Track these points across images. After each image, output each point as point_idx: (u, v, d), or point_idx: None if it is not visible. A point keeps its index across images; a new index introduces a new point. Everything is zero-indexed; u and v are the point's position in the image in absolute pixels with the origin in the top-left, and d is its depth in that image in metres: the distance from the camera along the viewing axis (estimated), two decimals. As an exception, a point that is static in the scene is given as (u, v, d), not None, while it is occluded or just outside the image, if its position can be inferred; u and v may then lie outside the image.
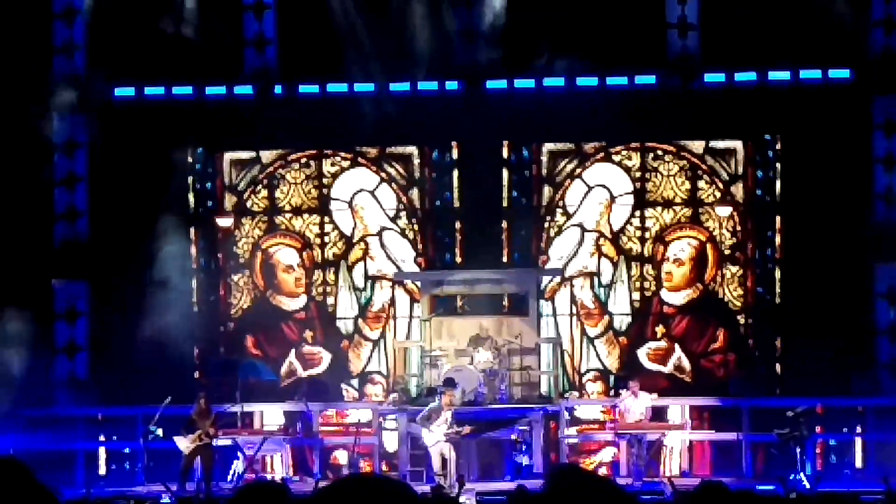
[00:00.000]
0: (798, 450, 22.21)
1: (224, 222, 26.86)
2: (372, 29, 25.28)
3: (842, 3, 24.84)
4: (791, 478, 21.63)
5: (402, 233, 27.15)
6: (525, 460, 22.98)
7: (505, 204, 26.69)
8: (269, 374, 26.38)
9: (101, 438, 25.23)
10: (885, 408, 23.94)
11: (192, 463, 22.07)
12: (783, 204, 26.20)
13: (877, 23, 25.31)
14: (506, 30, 25.53)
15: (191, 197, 27.08)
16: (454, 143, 26.59)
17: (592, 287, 26.77)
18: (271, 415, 25.40)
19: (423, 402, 23.73)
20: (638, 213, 26.79)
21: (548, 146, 26.96)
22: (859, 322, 25.12)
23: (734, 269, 26.55)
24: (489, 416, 23.23)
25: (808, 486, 21.41)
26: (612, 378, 26.44)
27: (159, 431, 22.46)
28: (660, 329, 26.56)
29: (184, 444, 21.96)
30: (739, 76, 25.53)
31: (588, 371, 26.58)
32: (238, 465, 23.29)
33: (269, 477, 23.34)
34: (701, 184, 26.68)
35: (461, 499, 18.37)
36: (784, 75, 25.42)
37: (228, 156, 27.32)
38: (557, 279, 26.52)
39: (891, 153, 25.43)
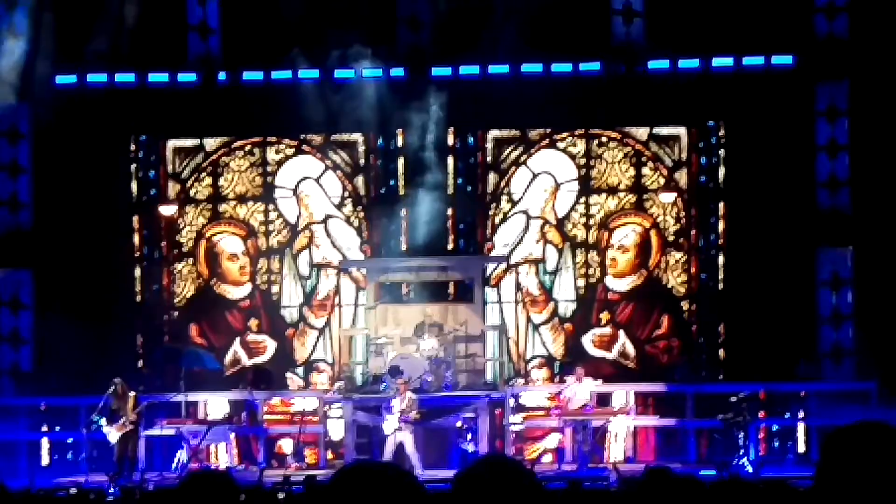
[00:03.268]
0: (741, 435, 22.32)
1: (167, 211, 26.69)
2: (316, 16, 25.15)
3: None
4: (734, 463, 21.76)
5: (347, 220, 27.09)
6: (471, 447, 22.96)
7: (450, 191, 26.66)
8: (214, 363, 26.26)
9: (44, 429, 25.06)
10: (828, 393, 24.09)
11: (125, 451, 22.02)
12: (727, 190, 26.31)
13: (819, 9, 25.43)
14: (450, 16, 25.48)
15: (133, 185, 26.92)
16: (399, 131, 26.51)
17: (537, 274, 26.81)
18: (216, 404, 25.28)
19: (368, 389, 23.71)
20: (583, 199, 26.83)
21: (493, 133, 26.97)
22: (803, 308, 25.27)
23: (678, 255, 26.64)
24: (434, 403, 23.21)
25: (750, 470, 21.53)
26: (556, 364, 26.48)
27: (102, 421, 22.32)
28: (604, 315, 26.61)
29: (112, 434, 21.95)
30: (683, 63, 25.58)
31: (533, 358, 26.62)
32: (182, 455, 23.18)
33: (213, 466, 23.22)
34: (645, 170, 26.75)
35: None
36: (727, 62, 25.50)
37: (171, 143, 27.15)
38: (503, 266, 26.54)
39: (833, 139, 25.56)
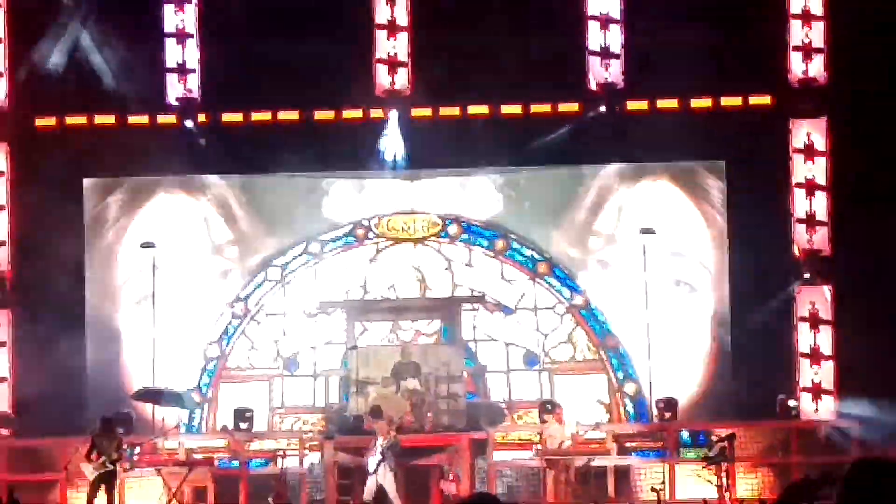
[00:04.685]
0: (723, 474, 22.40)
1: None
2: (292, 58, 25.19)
3: (760, 30, 25.18)
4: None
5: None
6: (453, 488, 22.93)
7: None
8: (192, 404, 26.21)
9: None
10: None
11: (97, 491, 21.82)
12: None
13: (796, 48, 25.64)
14: (428, 57, 25.60)
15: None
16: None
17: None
18: (195, 443, 25.26)
19: (350, 430, 23.66)
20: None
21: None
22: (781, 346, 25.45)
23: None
24: (416, 443, 23.17)
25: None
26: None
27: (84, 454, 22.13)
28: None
29: (88, 470, 21.81)
30: (661, 103, 25.74)
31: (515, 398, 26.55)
32: (163, 497, 23.09)
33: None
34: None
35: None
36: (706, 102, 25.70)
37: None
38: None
39: (813, 177, 25.71)
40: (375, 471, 21.84)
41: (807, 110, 25.71)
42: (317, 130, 25.87)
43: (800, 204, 25.69)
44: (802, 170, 25.75)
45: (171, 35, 26.02)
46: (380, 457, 21.82)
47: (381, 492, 21.93)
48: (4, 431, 25.02)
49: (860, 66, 24.91)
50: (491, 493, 21.96)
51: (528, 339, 26.60)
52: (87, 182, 26.53)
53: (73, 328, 25.62)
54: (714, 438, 23.16)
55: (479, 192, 26.86)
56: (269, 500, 22.97)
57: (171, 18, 25.98)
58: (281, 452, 24.46)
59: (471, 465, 23.56)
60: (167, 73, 25.95)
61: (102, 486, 21.86)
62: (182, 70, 25.96)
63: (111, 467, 21.87)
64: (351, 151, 25.80)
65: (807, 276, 25.53)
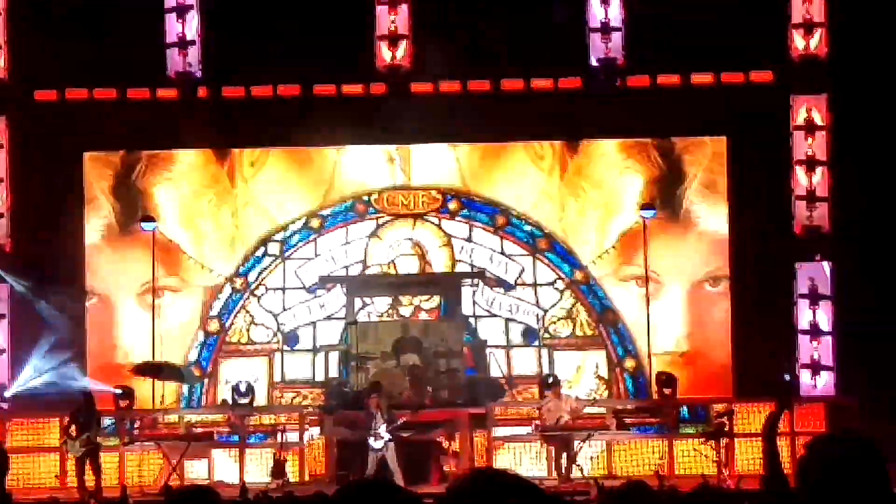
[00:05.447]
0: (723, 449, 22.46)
1: (150, 227, 26.60)
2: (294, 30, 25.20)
3: (761, 6, 25.13)
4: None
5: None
6: (452, 463, 22.95)
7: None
8: (192, 378, 26.26)
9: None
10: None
11: (83, 468, 21.87)
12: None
13: (796, 24, 25.59)
14: (428, 32, 25.58)
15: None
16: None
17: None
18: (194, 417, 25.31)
19: (350, 405, 23.67)
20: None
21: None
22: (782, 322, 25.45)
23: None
24: (415, 419, 23.16)
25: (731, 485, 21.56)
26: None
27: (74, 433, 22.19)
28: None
29: (75, 447, 21.83)
30: (662, 79, 25.71)
31: (515, 373, 26.56)
32: (163, 470, 23.14)
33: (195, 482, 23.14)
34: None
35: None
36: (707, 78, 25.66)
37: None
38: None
39: (814, 153, 25.69)
40: (382, 448, 21.87)
41: (808, 86, 25.66)
42: (317, 105, 25.84)
43: (800, 180, 25.66)
44: (803, 146, 25.72)
45: (171, 10, 25.99)
46: (387, 436, 21.84)
47: (381, 465, 21.95)
48: (3, 405, 25.05)
49: (862, 42, 24.85)
50: (491, 466, 22.00)
51: (528, 315, 26.60)
52: (87, 155, 26.54)
53: (72, 301, 25.70)
54: (713, 414, 23.20)
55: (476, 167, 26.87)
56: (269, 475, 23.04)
57: (172, -8, 25.97)
58: (281, 427, 24.50)
59: (470, 440, 23.57)
60: (167, 48, 25.92)
61: (88, 462, 21.87)
62: (182, 44, 25.93)
63: (95, 443, 21.89)
64: (351, 126, 25.76)
65: (807, 252, 25.52)
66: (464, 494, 4.45)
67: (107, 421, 24.30)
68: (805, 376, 25.31)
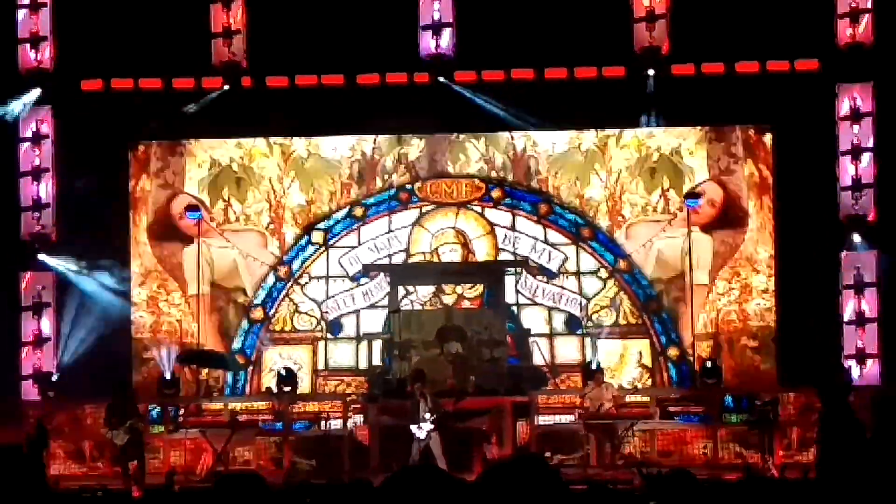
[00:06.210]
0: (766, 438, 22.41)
1: (195, 216, 26.69)
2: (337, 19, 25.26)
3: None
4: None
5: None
6: (494, 450, 22.97)
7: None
8: (237, 366, 26.38)
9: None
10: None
11: (127, 455, 21.87)
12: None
13: (843, 12, 25.45)
14: (473, 21, 25.58)
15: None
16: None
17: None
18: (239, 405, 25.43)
19: (393, 393, 23.70)
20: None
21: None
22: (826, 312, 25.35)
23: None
24: (459, 407, 23.18)
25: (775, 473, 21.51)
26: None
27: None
28: (628, 319, 26.70)
29: (119, 437, 21.88)
30: (707, 67, 25.61)
31: (558, 362, 26.53)
32: (207, 458, 23.24)
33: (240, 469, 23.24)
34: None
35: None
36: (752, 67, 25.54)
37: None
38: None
39: (859, 142, 25.57)
40: (426, 437, 21.90)
41: (854, 74, 25.52)
42: (361, 94, 25.88)
43: (846, 168, 25.54)
44: (849, 134, 25.60)
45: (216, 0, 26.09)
46: (431, 426, 21.87)
47: (425, 453, 21.98)
48: (50, 393, 25.21)
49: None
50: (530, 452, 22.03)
51: (571, 304, 26.58)
52: (132, 144, 26.70)
53: (117, 291, 25.89)
54: (757, 403, 23.12)
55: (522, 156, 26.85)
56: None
57: (217, -17, 26.07)
58: (324, 415, 24.59)
59: (513, 428, 23.59)
60: (212, 38, 26.02)
61: (130, 451, 21.87)
62: (227, 33, 26.02)
63: (139, 430, 21.94)
64: (395, 115, 25.79)
65: (853, 240, 25.41)
66: (499, 478, 4.51)
67: (152, 410, 24.48)
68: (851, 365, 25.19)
